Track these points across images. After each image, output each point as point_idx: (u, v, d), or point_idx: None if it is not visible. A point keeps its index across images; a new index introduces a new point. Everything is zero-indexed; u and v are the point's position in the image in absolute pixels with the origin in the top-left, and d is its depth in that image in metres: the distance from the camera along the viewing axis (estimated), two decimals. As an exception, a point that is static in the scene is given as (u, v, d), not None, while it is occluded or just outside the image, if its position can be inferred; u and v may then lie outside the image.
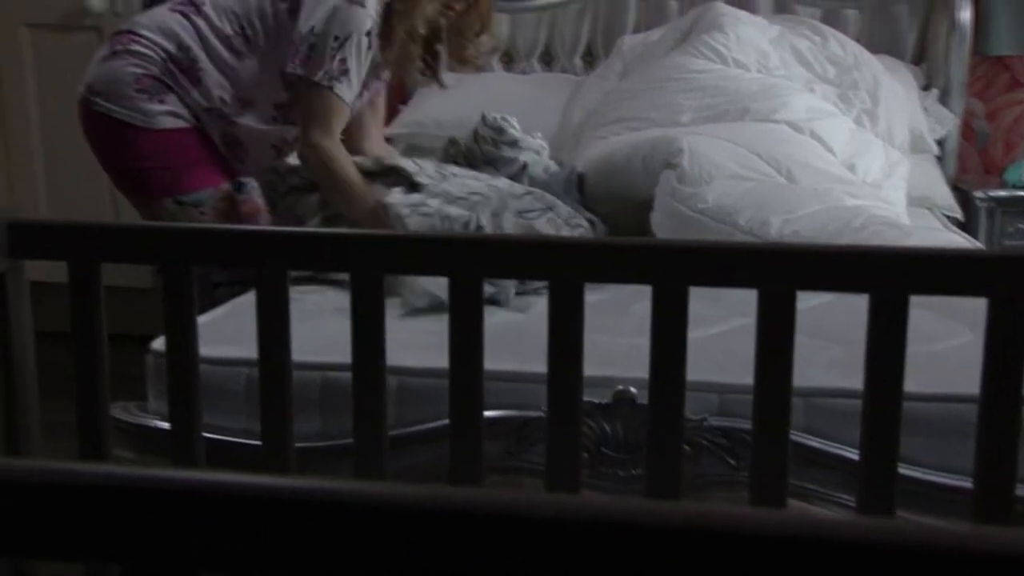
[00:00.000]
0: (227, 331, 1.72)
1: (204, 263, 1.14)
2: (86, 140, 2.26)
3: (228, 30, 2.17)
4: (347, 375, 1.29)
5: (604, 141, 2.60)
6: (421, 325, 1.76)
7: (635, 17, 3.41)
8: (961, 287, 1.09)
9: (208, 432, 1.57)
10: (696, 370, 1.60)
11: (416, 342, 1.65)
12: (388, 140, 3.19)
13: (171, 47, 2.16)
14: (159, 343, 1.65)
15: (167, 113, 2.14)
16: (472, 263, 1.13)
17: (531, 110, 3.07)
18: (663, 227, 2.22)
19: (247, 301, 1.74)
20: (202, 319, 1.86)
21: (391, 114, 3.17)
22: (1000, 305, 1.07)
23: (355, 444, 1.15)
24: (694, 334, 1.72)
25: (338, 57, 2.11)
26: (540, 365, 1.34)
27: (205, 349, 1.63)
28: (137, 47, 2.17)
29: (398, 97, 3.42)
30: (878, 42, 3.25)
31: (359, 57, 2.15)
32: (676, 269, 1.12)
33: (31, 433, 1.19)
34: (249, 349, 1.43)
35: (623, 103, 2.78)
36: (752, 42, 2.85)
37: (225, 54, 2.17)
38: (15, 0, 3.55)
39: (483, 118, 2.44)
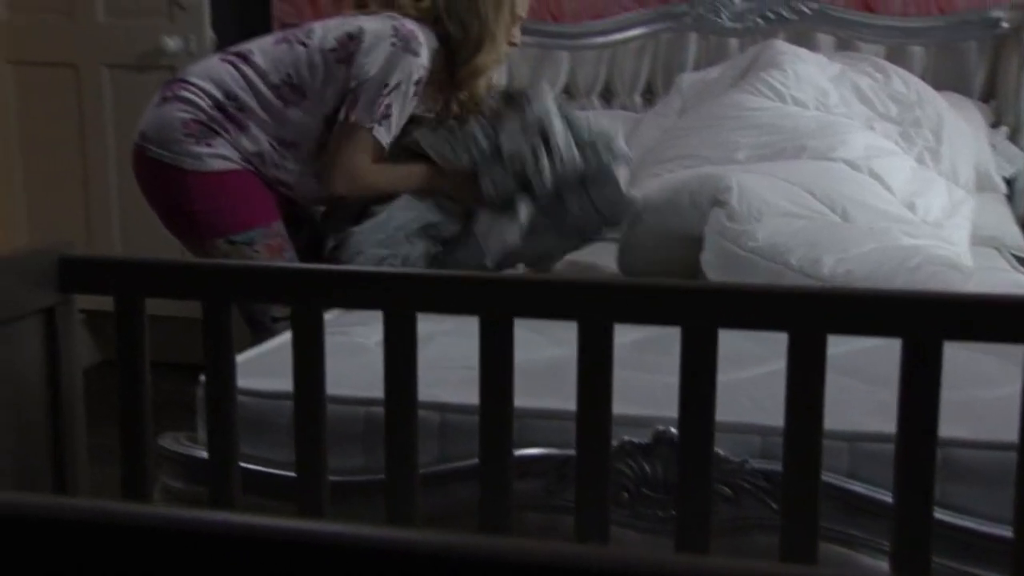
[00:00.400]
0: (276, 365, 1.76)
1: (242, 299, 1.17)
2: (138, 185, 2.33)
3: (276, 79, 2.23)
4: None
5: (658, 179, 2.61)
6: (465, 359, 1.78)
7: (695, 54, 3.43)
8: (995, 334, 1.08)
9: (253, 463, 1.61)
10: (739, 411, 1.59)
11: (459, 377, 1.67)
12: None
13: (219, 94, 2.23)
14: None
15: (215, 156, 2.20)
16: (502, 303, 1.14)
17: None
18: (713, 266, 2.22)
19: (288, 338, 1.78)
20: (255, 352, 1.91)
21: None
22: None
23: (386, 481, 1.17)
24: (739, 374, 1.72)
25: (384, 102, 2.17)
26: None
27: (254, 381, 1.68)
28: (186, 93, 2.24)
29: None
30: (945, 79, 3.21)
31: (403, 104, 2.21)
32: (705, 311, 1.12)
33: (77, 460, 1.24)
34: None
35: (679, 140, 2.79)
36: (811, 80, 2.84)
37: (273, 101, 2.23)
38: (96, 41, 3.68)
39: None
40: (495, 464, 1.15)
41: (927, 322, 1.08)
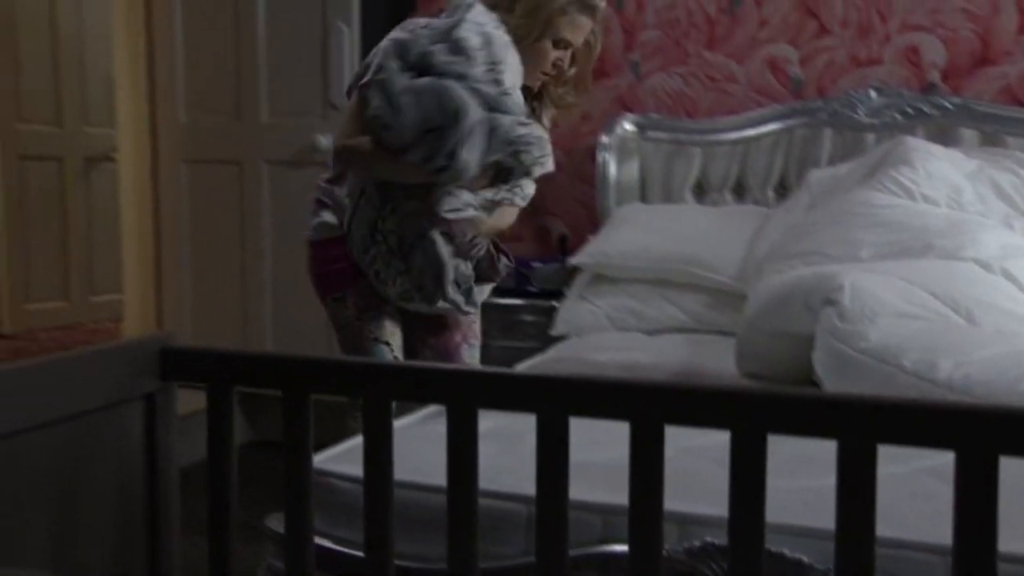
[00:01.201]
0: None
1: (318, 391, 1.26)
2: None
3: None
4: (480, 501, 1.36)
5: (780, 275, 2.59)
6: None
7: (830, 150, 3.41)
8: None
9: (347, 546, 1.69)
10: (823, 518, 1.57)
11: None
12: (575, 269, 3.31)
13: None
14: (317, 458, 1.79)
15: (322, 224, 2.37)
16: (555, 402, 1.18)
17: (718, 242, 3.12)
18: (824, 366, 2.19)
19: (400, 425, 1.86)
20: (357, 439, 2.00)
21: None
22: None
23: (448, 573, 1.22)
24: (826, 480, 1.69)
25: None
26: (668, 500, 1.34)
27: (347, 467, 1.76)
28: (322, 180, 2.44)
29: (588, 227, 3.54)
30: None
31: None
32: (755, 416, 1.13)
33: (172, 532, 1.33)
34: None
35: (803, 238, 2.77)
36: (944, 176, 2.79)
37: None
38: (258, 139, 3.95)
39: None
40: (550, 563, 1.18)
41: (980, 435, 1.06)
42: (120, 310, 4.49)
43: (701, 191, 3.56)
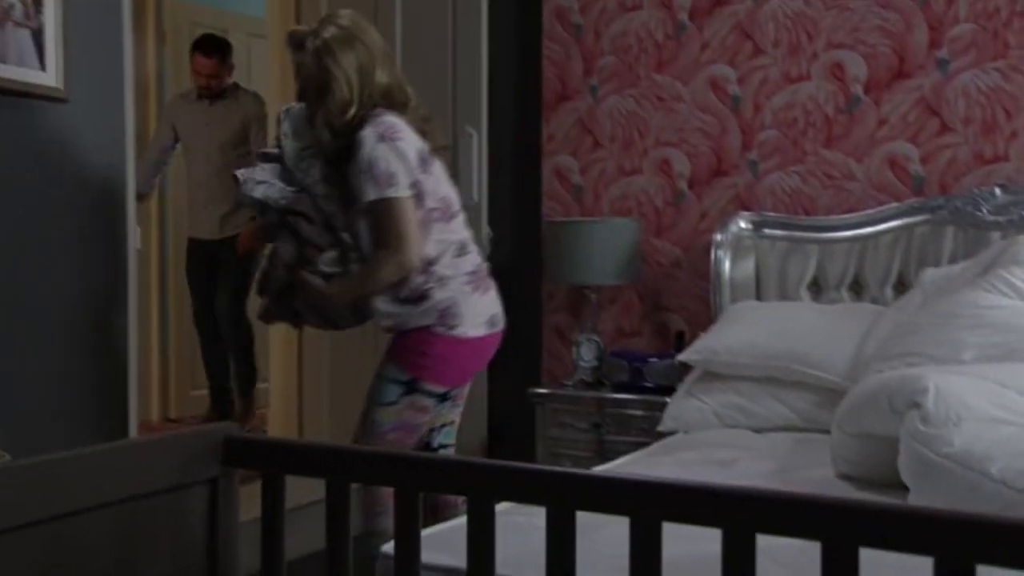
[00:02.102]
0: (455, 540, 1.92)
1: (359, 481, 1.36)
2: None
3: None
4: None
5: (880, 376, 2.57)
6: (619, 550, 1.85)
7: (951, 248, 3.35)
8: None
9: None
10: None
11: (609, 565, 1.74)
12: (684, 365, 3.34)
13: None
14: (389, 546, 1.89)
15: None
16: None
17: (828, 340, 3.10)
18: (909, 471, 2.16)
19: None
20: (445, 527, 2.09)
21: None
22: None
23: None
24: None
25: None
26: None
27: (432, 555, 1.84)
28: None
29: (705, 324, 3.57)
30: None
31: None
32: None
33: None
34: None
35: (907, 338, 2.73)
36: (1058, 276, 2.71)
37: None
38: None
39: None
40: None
41: (961, 543, 1.06)
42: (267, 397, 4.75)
43: (817, 289, 3.55)
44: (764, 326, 3.23)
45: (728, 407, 3.15)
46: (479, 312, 2.66)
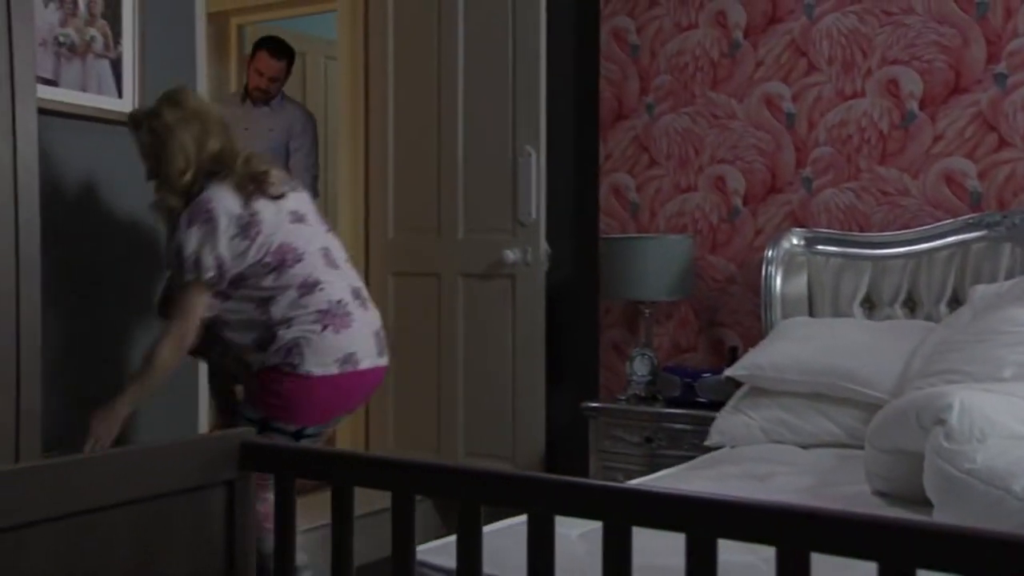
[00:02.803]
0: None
1: (366, 484, 1.45)
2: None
3: None
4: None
5: (912, 393, 2.57)
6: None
7: (1008, 264, 3.31)
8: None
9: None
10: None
11: None
12: (736, 381, 3.36)
13: None
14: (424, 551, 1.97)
15: None
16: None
17: (876, 356, 3.10)
18: (933, 487, 2.17)
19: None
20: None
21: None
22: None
23: None
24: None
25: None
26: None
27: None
28: None
29: (758, 340, 3.58)
30: None
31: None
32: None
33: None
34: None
35: (949, 355, 2.73)
36: (1106, 293, 2.68)
37: None
38: (455, 254, 4.27)
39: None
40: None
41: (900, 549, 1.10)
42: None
43: (871, 305, 3.54)
44: (811, 342, 3.23)
45: (774, 422, 3.17)
46: (329, 351, 2.69)
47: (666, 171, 4.03)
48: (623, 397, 3.82)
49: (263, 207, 2.74)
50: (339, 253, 2.89)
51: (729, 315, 3.90)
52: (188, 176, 2.77)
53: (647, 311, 3.87)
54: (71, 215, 3.19)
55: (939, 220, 3.51)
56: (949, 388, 2.30)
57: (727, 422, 3.24)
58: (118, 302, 3.28)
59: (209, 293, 2.70)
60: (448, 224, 4.31)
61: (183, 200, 2.77)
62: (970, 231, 3.42)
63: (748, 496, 2.21)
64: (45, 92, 3.19)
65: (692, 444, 3.51)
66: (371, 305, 2.91)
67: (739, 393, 3.33)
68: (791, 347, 3.25)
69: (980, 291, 3.07)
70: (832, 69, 3.71)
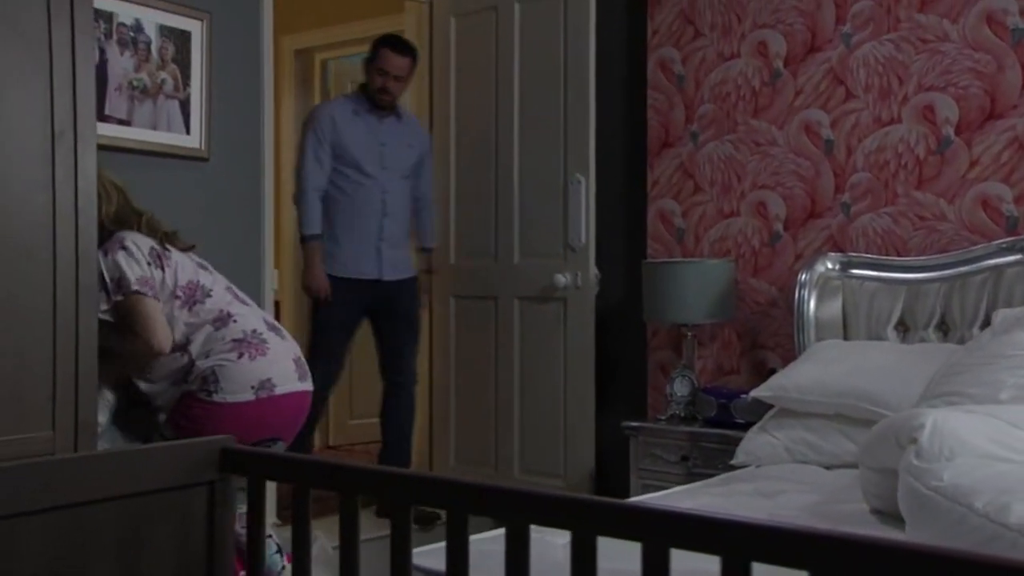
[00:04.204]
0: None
1: (319, 486, 1.64)
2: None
3: None
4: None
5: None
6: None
7: (1043, 287, 3.32)
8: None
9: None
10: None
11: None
12: (762, 401, 3.45)
13: None
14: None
15: None
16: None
17: (900, 378, 3.15)
18: (903, 503, 2.24)
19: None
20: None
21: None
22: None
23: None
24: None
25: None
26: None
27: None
28: None
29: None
30: None
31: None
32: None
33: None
34: None
35: (955, 377, 2.77)
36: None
37: None
38: (512, 278, 4.45)
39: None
40: None
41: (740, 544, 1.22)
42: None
43: (905, 328, 3.57)
44: (837, 364, 3.30)
45: (798, 443, 3.24)
46: (244, 378, 2.81)
47: (710, 197, 4.14)
48: (663, 417, 3.93)
49: (172, 249, 2.97)
50: (243, 294, 3.06)
51: (770, 338, 3.97)
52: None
53: (689, 333, 3.98)
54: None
55: (975, 244, 3.53)
56: (926, 409, 2.37)
57: (753, 442, 3.33)
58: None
59: (152, 300, 2.83)
60: (505, 249, 4.49)
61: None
62: (1004, 255, 3.43)
63: (750, 511, 2.34)
64: (120, 131, 3.53)
65: (725, 463, 3.59)
66: (287, 335, 3.04)
67: (769, 414, 3.41)
68: (816, 369, 3.32)
69: (1002, 315, 3.10)
70: (869, 96, 3.77)
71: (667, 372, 4.19)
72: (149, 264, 2.88)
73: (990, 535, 2.06)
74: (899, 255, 3.69)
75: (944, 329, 3.51)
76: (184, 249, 3.02)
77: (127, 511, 1.67)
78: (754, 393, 3.41)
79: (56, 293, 2.67)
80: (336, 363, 4.26)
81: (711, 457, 3.68)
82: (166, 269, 2.91)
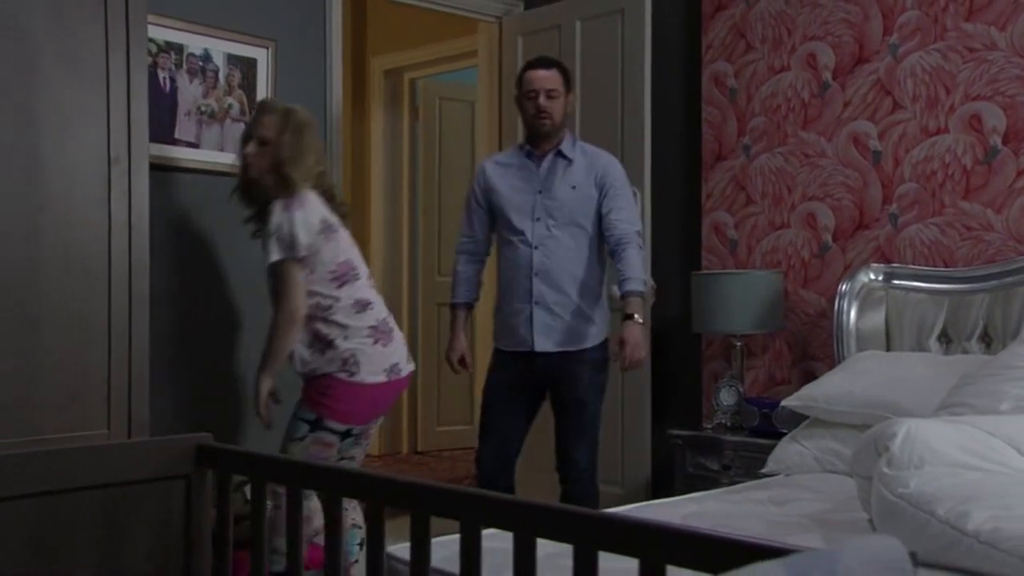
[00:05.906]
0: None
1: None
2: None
3: None
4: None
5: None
6: None
7: (1086, 299, 3.24)
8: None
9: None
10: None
11: None
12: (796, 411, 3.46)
13: None
14: (395, 548, 2.30)
15: None
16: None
17: (926, 389, 3.14)
18: (873, 510, 2.27)
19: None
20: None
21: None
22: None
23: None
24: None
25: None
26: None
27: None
28: None
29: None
30: None
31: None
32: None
33: (207, 578, 1.94)
34: None
35: (964, 388, 2.77)
36: None
37: None
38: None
39: None
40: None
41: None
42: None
43: (948, 340, 3.53)
44: (868, 375, 3.30)
45: (827, 452, 3.26)
46: (379, 362, 3.10)
47: (761, 209, 4.16)
48: (709, 426, 3.97)
49: (338, 221, 3.20)
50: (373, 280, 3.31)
51: (820, 348, 3.97)
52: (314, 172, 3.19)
53: (738, 343, 4.01)
54: (208, 250, 3.78)
55: (1022, 254, 3.46)
56: (902, 418, 2.39)
57: (783, 451, 3.36)
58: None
59: (303, 271, 3.07)
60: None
61: (285, 191, 3.11)
62: (1050, 265, 3.36)
63: (749, 518, 2.39)
64: (188, 153, 3.82)
65: (764, 472, 3.62)
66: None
67: (803, 424, 3.43)
68: (846, 380, 3.32)
69: (1031, 326, 3.05)
70: (916, 106, 3.74)
71: (719, 382, 4.22)
72: (320, 232, 3.11)
73: (950, 541, 2.09)
74: (946, 265, 3.65)
75: (987, 340, 3.46)
76: (343, 216, 3.26)
77: (106, 501, 1.88)
78: (784, 403, 3.44)
79: (111, 303, 2.96)
80: (496, 445, 3.61)
81: (751, 466, 3.71)
82: (330, 241, 3.13)
